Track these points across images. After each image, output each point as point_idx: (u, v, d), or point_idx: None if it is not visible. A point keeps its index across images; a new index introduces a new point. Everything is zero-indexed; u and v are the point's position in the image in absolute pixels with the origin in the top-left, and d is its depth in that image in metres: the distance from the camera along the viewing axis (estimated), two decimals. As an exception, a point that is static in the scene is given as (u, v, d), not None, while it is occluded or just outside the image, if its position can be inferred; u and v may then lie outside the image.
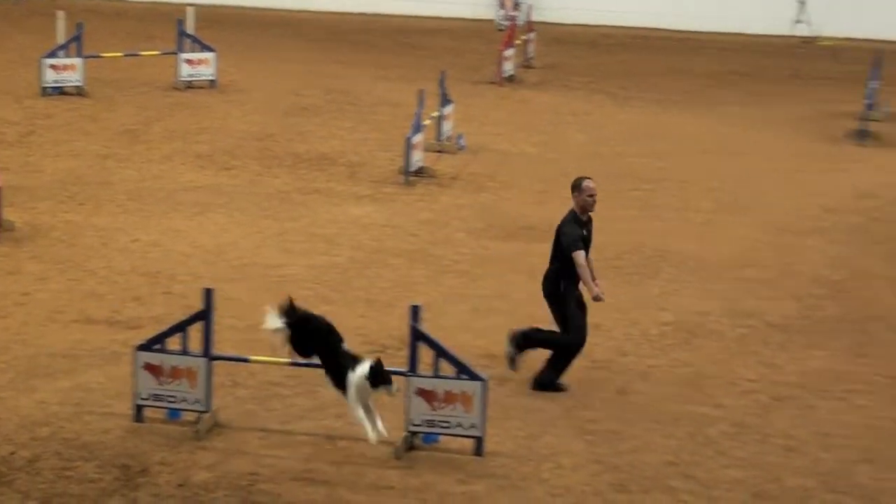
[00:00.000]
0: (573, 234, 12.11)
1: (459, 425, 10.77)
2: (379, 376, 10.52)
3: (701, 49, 29.64)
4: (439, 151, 20.48)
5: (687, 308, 14.56)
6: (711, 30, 30.42)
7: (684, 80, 26.59)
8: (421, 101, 19.42)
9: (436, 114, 20.77)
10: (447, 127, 21.02)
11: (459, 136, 21.09)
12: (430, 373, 10.84)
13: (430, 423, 10.80)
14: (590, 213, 12.31)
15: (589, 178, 12.32)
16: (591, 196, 12.17)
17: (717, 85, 26.25)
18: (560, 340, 12.25)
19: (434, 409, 10.77)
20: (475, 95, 24.83)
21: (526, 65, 27.54)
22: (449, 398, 10.80)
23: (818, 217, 17.76)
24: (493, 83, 25.95)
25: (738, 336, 13.95)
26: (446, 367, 10.87)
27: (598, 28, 32.20)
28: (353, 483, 10.34)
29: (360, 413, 10.58)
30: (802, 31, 29.36)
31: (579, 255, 12.07)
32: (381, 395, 10.60)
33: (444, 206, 18.13)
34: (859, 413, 12.15)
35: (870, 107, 21.97)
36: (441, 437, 10.90)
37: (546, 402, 12.12)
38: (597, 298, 12.14)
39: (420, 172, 19.27)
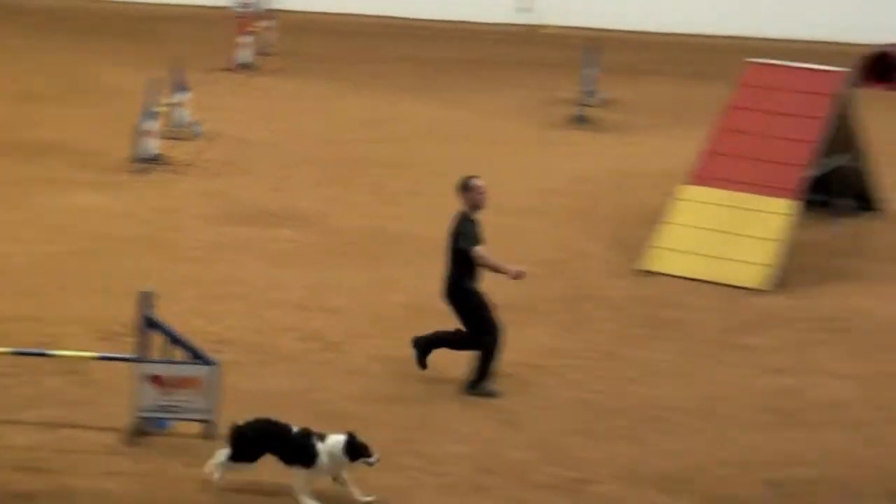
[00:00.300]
0: (471, 232, 12.12)
1: (191, 410, 10.62)
2: (356, 449, 10.05)
3: (432, 37, 29.92)
4: (174, 139, 20.10)
5: (420, 289, 14.69)
6: (442, 18, 30.75)
7: (418, 68, 26.80)
8: (153, 89, 19.01)
9: (170, 101, 20.37)
10: (183, 114, 20.64)
11: (195, 124, 20.75)
12: (161, 358, 10.67)
13: (162, 409, 10.62)
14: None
15: (477, 177, 12.34)
16: (482, 194, 12.20)
17: (448, 72, 26.55)
18: (482, 344, 12.18)
19: (165, 395, 10.59)
20: (212, 83, 24.46)
21: (264, 52, 27.27)
22: (180, 383, 10.64)
23: (538, 199, 18.14)
24: (229, 70, 25.62)
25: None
26: (180, 353, 10.71)
27: (335, 16, 32.13)
28: (79, 470, 10.07)
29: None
30: (525, 19, 29.92)
31: (479, 250, 12.08)
32: (359, 466, 10.15)
33: (179, 193, 17.82)
34: (574, 387, 12.48)
35: (587, 93, 22.54)
36: (173, 423, 10.73)
37: (279, 385, 12.06)
38: (518, 275, 12.17)
39: (155, 160, 18.87)
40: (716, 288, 14.91)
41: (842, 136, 16.27)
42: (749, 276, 14.98)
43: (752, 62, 16.78)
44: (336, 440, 10.02)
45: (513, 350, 13.21)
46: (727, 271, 14.92)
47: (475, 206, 12.21)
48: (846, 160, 16.57)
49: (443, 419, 11.70)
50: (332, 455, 9.99)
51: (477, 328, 12.20)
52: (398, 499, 10.32)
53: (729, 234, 15.29)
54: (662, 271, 15.21)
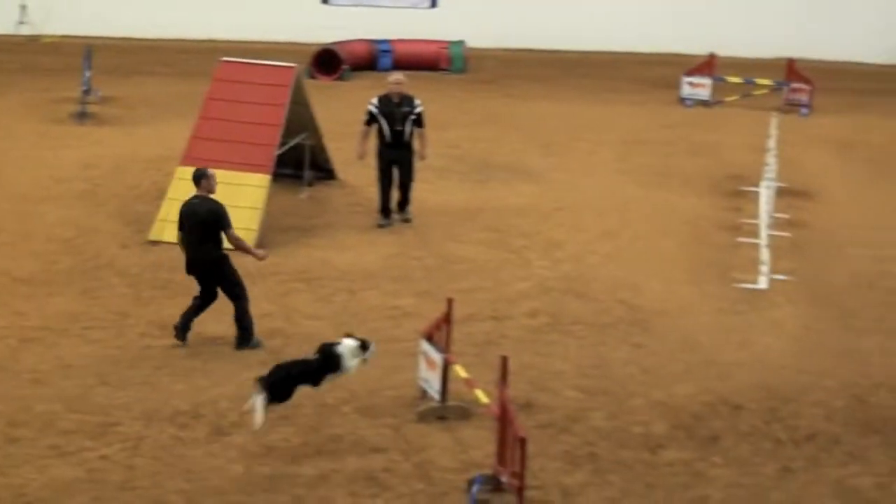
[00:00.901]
0: (228, 215, 11.94)
1: None
2: (364, 343, 10.40)
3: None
4: None
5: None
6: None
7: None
8: None
9: None
10: None
11: None
12: None
13: None
14: None
15: (209, 168, 12.28)
16: (216, 181, 12.14)
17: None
18: (241, 306, 11.96)
19: None
20: None
21: None
22: None
23: (50, 187, 17.24)
24: None
25: (-13, 292, 13.28)
26: None
27: None
28: None
29: None
30: (26, 30, 28.33)
31: (236, 233, 11.99)
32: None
33: None
34: (95, 345, 12.06)
35: (86, 92, 21.64)
36: None
37: None
38: (263, 258, 12.47)
39: None
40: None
41: (300, 119, 16.56)
42: (237, 239, 14.95)
43: (223, 60, 16.71)
44: (349, 341, 10.33)
45: (37, 318, 12.63)
46: (218, 237, 14.81)
47: (210, 191, 12.07)
48: (305, 139, 16.89)
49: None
50: (351, 352, 10.26)
51: (233, 289, 11.98)
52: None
53: (218, 205, 15.16)
54: (166, 240, 14.89)
